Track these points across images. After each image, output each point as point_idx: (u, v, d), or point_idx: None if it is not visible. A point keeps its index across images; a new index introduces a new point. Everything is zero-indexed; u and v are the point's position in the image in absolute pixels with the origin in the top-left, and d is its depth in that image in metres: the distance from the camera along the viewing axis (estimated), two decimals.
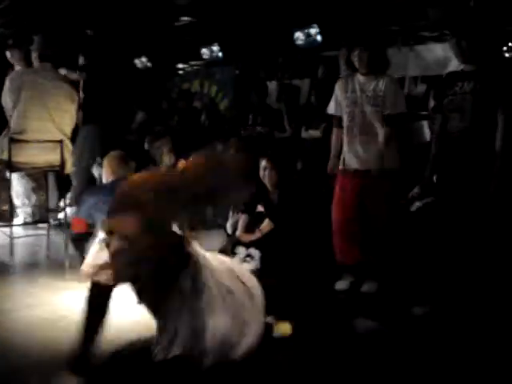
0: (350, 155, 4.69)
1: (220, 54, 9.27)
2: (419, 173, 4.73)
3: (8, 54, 6.05)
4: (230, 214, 6.20)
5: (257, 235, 5.61)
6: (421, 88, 7.19)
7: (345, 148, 4.74)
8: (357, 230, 4.73)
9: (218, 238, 5.78)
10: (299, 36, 7.76)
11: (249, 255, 5.53)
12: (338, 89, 4.79)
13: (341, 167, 4.78)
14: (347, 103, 4.68)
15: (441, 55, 7.10)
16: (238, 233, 5.76)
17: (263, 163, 5.73)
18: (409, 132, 6.20)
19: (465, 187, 3.98)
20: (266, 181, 5.72)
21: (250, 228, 5.77)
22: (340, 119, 4.79)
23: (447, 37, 6.85)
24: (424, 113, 6.21)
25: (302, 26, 7.74)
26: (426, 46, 7.38)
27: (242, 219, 5.82)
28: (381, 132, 4.55)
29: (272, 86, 8.73)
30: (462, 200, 3.97)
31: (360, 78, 4.63)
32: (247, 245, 5.60)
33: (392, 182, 4.60)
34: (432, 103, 4.43)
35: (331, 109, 4.86)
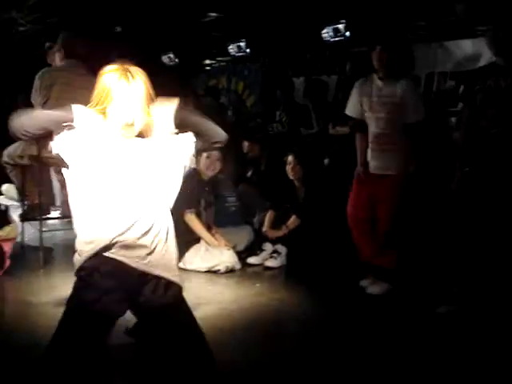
0: (371, 159, 4.67)
1: (247, 50, 9.25)
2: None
3: (47, 56, 6.11)
4: (258, 209, 6.22)
5: (283, 231, 5.62)
6: (450, 84, 7.12)
7: (368, 151, 4.70)
8: (370, 229, 4.72)
9: (245, 234, 5.80)
10: (327, 32, 7.72)
11: (275, 251, 5.54)
12: (355, 92, 4.70)
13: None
14: (366, 108, 4.61)
15: (470, 51, 7.02)
16: (264, 229, 5.77)
17: (289, 159, 5.73)
18: None
19: (501, 186, 3.92)
20: (292, 176, 5.72)
21: (276, 224, 5.78)
22: (361, 122, 4.72)
23: (478, 32, 6.81)
24: (453, 109, 6.16)
25: (330, 22, 7.70)
26: (456, 41, 7.29)
27: (269, 215, 5.83)
28: (398, 139, 4.48)
29: (300, 82, 8.71)
30: (498, 198, 3.92)
31: (377, 82, 4.53)
32: (274, 241, 5.61)
33: (405, 185, 4.56)
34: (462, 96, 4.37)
35: (350, 111, 4.79)
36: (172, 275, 2.36)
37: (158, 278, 2.32)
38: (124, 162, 2.32)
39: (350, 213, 4.77)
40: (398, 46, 4.53)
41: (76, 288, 2.40)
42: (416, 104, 4.45)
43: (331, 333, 3.79)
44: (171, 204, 2.43)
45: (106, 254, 2.29)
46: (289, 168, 5.72)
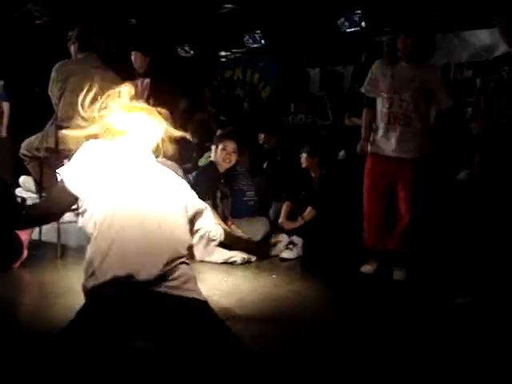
0: (385, 141, 4.66)
1: (263, 42, 9.24)
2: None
3: (69, 47, 6.14)
4: (273, 201, 6.23)
5: (299, 223, 5.62)
6: (467, 74, 7.07)
7: (379, 132, 4.69)
8: (385, 217, 4.74)
9: (260, 226, 5.81)
10: (343, 22, 7.70)
11: (291, 242, 5.54)
12: (375, 70, 4.73)
13: (372, 150, 4.76)
14: (386, 89, 4.62)
15: (487, 41, 6.98)
16: (280, 220, 5.77)
17: (305, 150, 5.73)
18: None
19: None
20: (308, 167, 5.73)
21: (292, 216, 5.78)
22: (371, 100, 4.76)
23: (494, 22, 6.75)
24: (470, 99, 6.12)
25: (346, 12, 7.67)
26: (472, 31, 7.24)
27: (285, 206, 5.83)
28: (418, 122, 4.51)
29: (315, 73, 8.69)
30: (509, 187, 3.91)
31: (403, 64, 4.57)
32: (290, 232, 5.61)
33: (425, 169, 4.56)
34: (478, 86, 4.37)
35: (365, 89, 4.83)
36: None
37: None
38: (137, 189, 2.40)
39: (366, 202, 4.79)
40: (421, 32, 4.57)
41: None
42: (446, 90, 4.53)
43: (348, 323, 3.79)
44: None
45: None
46: (304, 159, 5.72)
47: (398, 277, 4.65)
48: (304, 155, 5.72)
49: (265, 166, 7.26)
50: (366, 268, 4.89)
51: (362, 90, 4.87)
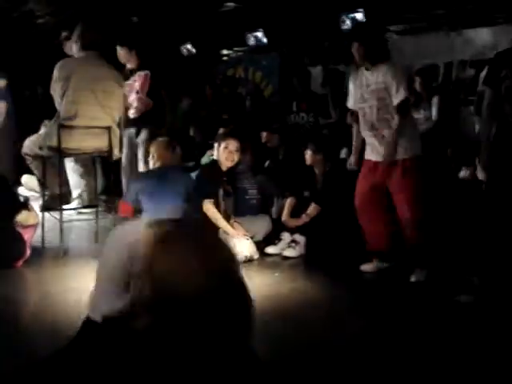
0: (369, 148, 4.77)
1: (265, 40, 9.24)
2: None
3: (63, 46, 6.16)
4: (275, 199, 6.21)
5: (304, 220, 5.60)
6: (469, 73, 7.07)
7: (366, 140, 4.79)
8: (381, 218, 4.75)
9: (263, 224, 5.80)
10: (345, 21, 7.70)
11: (294, 241, 5.54)
12: (351, 84, 4.85)
13: (366, 158, 4.83)
14: (358, 99, 4.74)
15: (489, 39, 6.98)
16: (283, 218, 5.76)
17: (308, 147, 5.73)
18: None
19: None
20: (311, 165, 5.72)
21: (294, 213, 5.77)
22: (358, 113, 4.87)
23: (497, 20, 6.75)
24: (472, 98, 6.11)
25: (348, 11, 7.67)
26: (474, 30, 7.24)
27: (288, 203, 5.81)
28: (393, 123, 4.54)
29: (317, 71, 8.69)
30: None
31: (365, 72, 4.65)
32: (292, 230, 5.60)
33: (416, 168, 4.56)
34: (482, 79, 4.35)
35: (350, 103, 4.92)
36: None
37: None
38: None
39: (358, 204, 4.84)
40: (371, 37, 4.63)
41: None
42: (399, 83, 4.49)
43: (351, 321, 3.79)
44: None
45: None
46: (309, 156, 5.72)
47: (416, 278, 4.61)
48: (309, 152, 5.71)
49: (267, 164, 7.26)
50: (367, 267, 4.91)
51: (348, 105, 4.97)
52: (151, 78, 6.53)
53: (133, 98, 6.47)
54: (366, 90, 4.64)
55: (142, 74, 6.56)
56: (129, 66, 6.66)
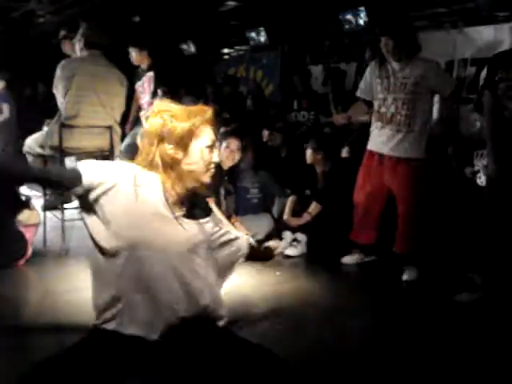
0: (380, 140, 4.71)
1: (266, 39, 9.23)
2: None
3: (62, 45, 6.15)
4: (277, 197, 6.21)
5: (305, 219, 5.60)
6: (470, 71, 7.05)
7: (374, 131, 4.75)
8: (377, 214, 4.78)
9: (264, 223, 5.80)
10: (346, 19, 7.69)
11: (295, 239, 5.54)
12: (369, 72, 4.81)
13: (369, 147, 4.82)
14: (380, 89, 4.68)
15: (491, 37, 6.95)
16: (285, 216, 5.76)
17: (309, 146, 5.72)
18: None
19: None
20: (312, 163, 5.72)
21: (295, 213, 5.77)
22: (366, 101, 4.88)
23: (498, 18, 6.74)
24: (474, 96, 6.10)
25: (349, 9, 7.66)
26: (475, 28, 7.22)
27: (290, 202, 5.81)
28: (414, 121, 4.53)
29: (318, 70, 8.68)
30: None
31: (393, 64, 4.60)
32: (294, 229, 5.60)
33: (421, 170, 4.57)
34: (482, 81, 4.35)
35: (361, 92, 4.92)
36: None
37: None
38: None
39: (358, 197, 4.90)
40: (400, 30, 4.56)
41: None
42: (443, 75, 4.60)
43: (352, 320, 3.79)
44: None
45: None
46: (309, 155, 5.71)
47: (407, 277, 4.62)
48: (309, 151, 5.71)
49: (268, 162, 7.24)
50: (348, 259, 5.04)
51: (358, 93, 4.97)
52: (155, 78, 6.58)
53: (145, 101, 6.58)
54: (393, 81, 4.58)
55: (149, 74, 6.62)
56: (142, 66, 6.73)
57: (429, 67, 4.50)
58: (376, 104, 4.74)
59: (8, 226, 4.70)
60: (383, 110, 4.66)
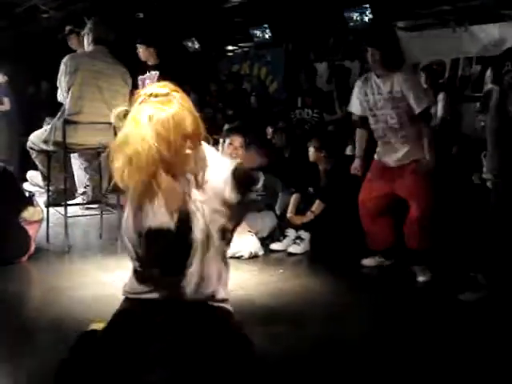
0: (384, 153, 4.71)
1: (270, 36, 9.22)
2: None
3: (68, 40, 6.16)
4: (280, 195, 6.20)
5: (309, 217, 5.59)
6: (475, 69, 7.04)
7: (379, 145, 4.76)
8: (384, 219, 4.74)
9: (267, 220, 5.79)
10: (351, 16, 7.67)
11: (298, 237, 5.53)
12: (357, 90, 4.80)
13: (376, 158, 4.80)
14: (368, 106, 4.68)
15: (496, 35, 6.94)
16: (288, 214, 5.75)
17: (313, 143, 5.71)
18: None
19: None
20: (315, 161, 5.71)
21: (298, 210, 5.76)
22: (361, 118, 4.84)
23: (504, 17, 6.72)
24: (478, 94, 6.09)
25: (354, 7, 7.64)
26: (481, 26, 7.20)
27: (293, 200, 5.80)
28: (409, 131, 4.50)
29: (322, 67, 8.67)
30: None
31: (376, 80, 4.59)
32: (297, 227, 5.59)
33: (429, 171, 4.54)
34: (489, 79, 4.32)
35: (353, 108, 4.89)
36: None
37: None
38: None
39: (363, 202, 4.82)
40: (387, 43, 4.59)
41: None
42: (417, 93, 4.45)
43: (355, 319, 3.78)
44: None
45: None
46: (312, 153, 5.71)
47: (422, 277, 4.59)
48: (311, 149, 5.70)
49: (272, 160, 7.25)
50: (368, 261, 4.95)
51: (350, 109, 4.96)
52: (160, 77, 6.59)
53: None
54: (378, 97, 4.57)
55: (154, 73, 6.63)
56: (148, 62, 6.72)
57: (407, 84, 4.45)
58: (369, 120, 4.74)
59: (11, 222, 4.70)
60: (374, 125, 4.68)
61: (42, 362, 2.84)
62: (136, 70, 6.48)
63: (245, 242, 5.25)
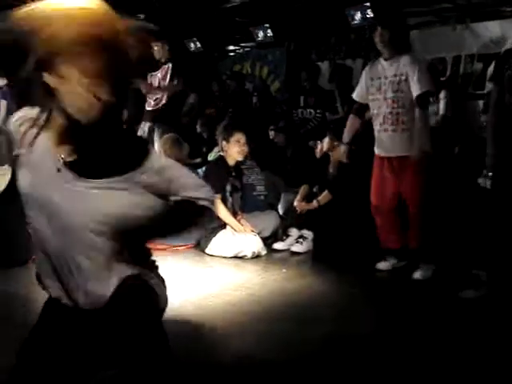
0: (382, 142, 4.72)
1: (271, 35, 9.20)
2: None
3: None
4: (282, 195, 6.22)
5: (314, 205, 5.59)
6: (477, 66, 7.02)
7: (376, 134, 4.77)
8: (396, 216, 4.74)
9: (270, 220, 5.80)
10: (352, 15, 7.66)
11: (301, 236, 5.54)
12: (364, 75, 4.81)
13: (376, 152, 4.80)
14: (372, 91, 4.69)
15: (498, 32, 6.91)
16: (295, 202, 5.73)
17: (327, 135, 5.72)
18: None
19: None
20: (327, 150, 5.71)
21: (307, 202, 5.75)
22: (361, 106, 4.87)
23: (505, 13, 6.70)
24: (480, 92, 6.08)
25: (355, 5, 7.63)
26: (482, 23, 7.18)
27: (302, 189, 5.80)
28: (409, 118, 4.49)
29: (324, 66, 8.66)
30: None
31: (383, 62, 4.61)
32: (300, 226, 5.60)
33: (425, 166, 4.52)
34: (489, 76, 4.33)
35: (357, 95, 4.91)
36: None
37: None
38: None
39: (374, 202, 4.80)
40: (397, 24, 4.60)
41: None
42: (419, 76, 4.43)
43: (358, 318, 3.79)
44: None
45: None
46: (326, 143, 5.70)
47: (422, 275, 4.59)
48: (326, 139, 5.70)
49: (275, 159, 7.25)
50: (382, 264, 4.88)
51: (354, 95, 4.95)
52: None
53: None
54: (383, 81, 4.59)
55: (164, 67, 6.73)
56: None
57: (412, 66, 4.45)
58: (370, 106, 4.75)
59: (18, 225, 4.69)
60: (376, 111, 4.68)
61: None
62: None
63: (248, 241, 5.26)
